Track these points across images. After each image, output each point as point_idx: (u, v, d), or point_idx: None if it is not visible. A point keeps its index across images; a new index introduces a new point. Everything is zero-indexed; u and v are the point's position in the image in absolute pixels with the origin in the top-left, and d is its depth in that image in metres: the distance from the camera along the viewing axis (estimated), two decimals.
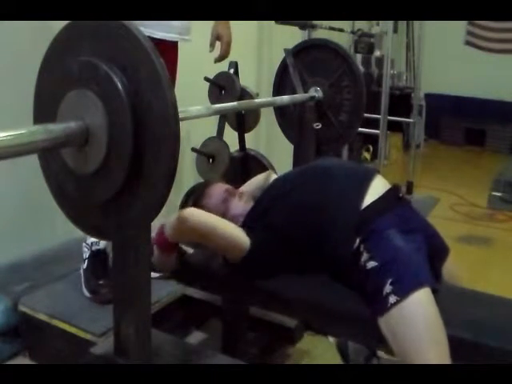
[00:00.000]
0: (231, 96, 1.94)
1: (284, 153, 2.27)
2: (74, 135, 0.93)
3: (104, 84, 0.92)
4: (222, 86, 1.98)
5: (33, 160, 1.06)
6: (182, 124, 0.92)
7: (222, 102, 1.84)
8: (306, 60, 2.19)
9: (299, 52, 2.20)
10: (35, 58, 1.08)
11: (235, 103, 1.82)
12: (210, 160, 1.95)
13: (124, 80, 0.91)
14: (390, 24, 3.59)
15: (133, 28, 0.91)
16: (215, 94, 2.00)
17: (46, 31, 1.20)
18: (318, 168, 1.53)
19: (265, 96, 2.44)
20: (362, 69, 3.65)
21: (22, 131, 0.86)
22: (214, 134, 2.00)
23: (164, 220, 1.38)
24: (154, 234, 1.34)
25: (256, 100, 1.96)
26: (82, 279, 1.80)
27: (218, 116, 2.00)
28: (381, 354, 1.54)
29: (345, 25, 3.79)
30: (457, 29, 5.27)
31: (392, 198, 1.40)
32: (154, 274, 1.44)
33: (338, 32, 3.57)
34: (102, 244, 1.83)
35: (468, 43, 5.50)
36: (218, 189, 1.57)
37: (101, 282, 1.77)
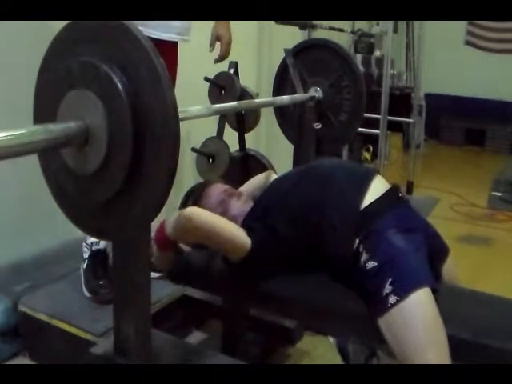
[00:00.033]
0: (231, 96, 1.94)
1: (284, 153, 2.27)
2: (73, 135, 0.93)
3: (104, 84, 0.92)
4: (222, 86, 1.98)
5: (33, 160, 1.06)
6: (182, 124, 0.92)
7: (222, 102, 1.84)
8: (306, 60, 2.19)
9: (299, 52, 2.20)
10: (35, 57, 1.08)
11: (235, 103, 1.82)
12: (210, 160, 1.96)
13: (124, 80, 0.91)
14: (390, 24, 3.59)
15: (133, 28, 0.91)
16: (215, 94, 2.00)
17: (46, 31, 1.20)
18: (317, 168, 1.53)
19: (265, 96, 2.44)
20: (362, 69, 3.65)
21: (22, 131, 0.86)
22: (214, 134, 2.00)
23: (164, 217, 1.38)
24: (153, 231, 1.34)
25: (256, 100, 1.96)
26: (82, 279, 1.81)
27: (218, 116, 2.00)
28: (381, 353, 1.54)
29: (345, 25, 3.79)
30: (457, 29, 5.27)
31: (392, 198, 1.40)
32: (153, 274, 1.44)
33: (338, 32, 3.57)
34: (102, 244, 1.83)
35: (468, 43, 5.50)
36: (217, 189, 1.57)
37: (101, 282, 1.77)
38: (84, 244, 1.84)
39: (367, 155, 4.63)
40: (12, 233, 1.96)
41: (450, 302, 1.28)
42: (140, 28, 0.92)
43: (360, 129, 2.45)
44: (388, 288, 1.19)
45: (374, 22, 4.35)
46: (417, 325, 1.17)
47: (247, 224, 1.44)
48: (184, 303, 1.91)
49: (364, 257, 1.27)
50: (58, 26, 1.02)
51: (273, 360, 1.96)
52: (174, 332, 1.63)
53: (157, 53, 0.90)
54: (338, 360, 1.68)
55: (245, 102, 1.91)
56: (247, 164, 2.13)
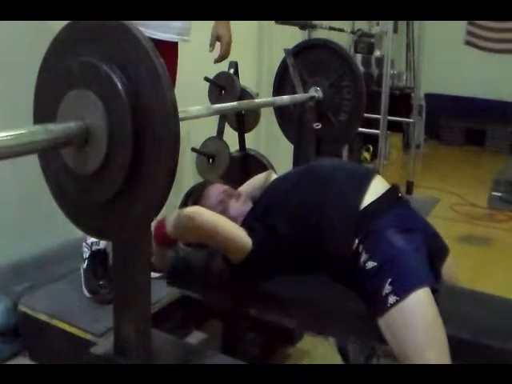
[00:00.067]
0: (231, 96, 1.94)
1: (284, 153, 2.27)
2: (73, 135, 0.93)
3: (104, 84, 0.92)
4: (222, 86, 1.98)
5: (33, 160, 1.06)
6: (182, 124, 0.92)
7: (222, 102, 1.84)
8: (306, 60, 2.19)
9: (299, 52, 2.20)
10: (35, 57, 1.08)
11: (235, 103, 1.82)
12: (210, 160, 1.96)
13: (124, 80, 0.91)
14: (390, 24, 3.59)
15: (133, 28, 0.91)
16: (215, 94, 2.00)
17: (46, 31, 1.20)
18: (317, 168, 1.53)
19: (265, 96, 2.44)
20: (362, 69, 3.65)
21: (22, 131, 0.86)
22: (214, 134, 2.00)
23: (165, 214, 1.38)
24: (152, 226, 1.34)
25: (256, 100, 1.96)
26: (82, 279, 1.81)
27: (218, 116, 2.00)
28: (381, 353, 1.54)
29: (345, 25, 3.79)
30: (457, 29, 5.27)
31: (391, 198, 1.40)
32: (153, 274, 1.44)
33: (338, 32, 3.56)
34: (102, 244, 1.83)
35: (468, 43, 5.50)
36: (216, 190, 1.57)
37: (101, 282, 1.77)
38: (84, 244, 1.84)
39: (367, 155, 4.62)
40: (12, 233, 1.96)
41: (449, 302, 1.28)
42: (140, 28, 0.92)
43: (360, 129, 2.45)
44: (388, 288, 1.19)
45: (374, 22, 4.35)
46: (417, 325, 1.17)
47: (247, 224, 1.44)
48: (184, 303, 1.91)
49: (363, 257, 1.27)
50: (57, 25, 1.02)
51: (273, 360, 1.96)
52: (174, 332, 1.63)
53: (157, 53, 0.90)
54: (338, 360, 1.68)
55: (245, 102, 1.91)
56: (247, 164, 2.14)
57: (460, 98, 5.79)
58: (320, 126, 2.10)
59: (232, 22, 2.03)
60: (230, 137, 2.06)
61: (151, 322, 1.17)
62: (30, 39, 1.79)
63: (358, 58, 4.31)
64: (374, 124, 3.54)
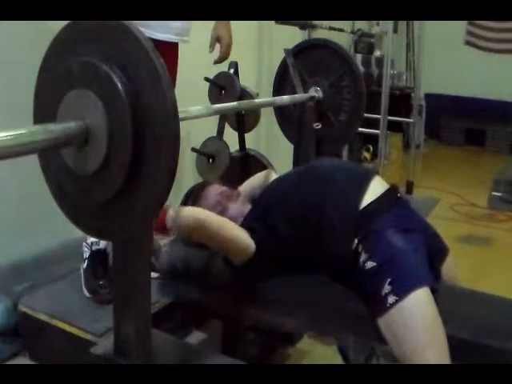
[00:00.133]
0: (231, 96, 1.94)
1: (284, 153, 2.27)
2: (73, 135, 0.93)
3: (104, 84, 0.92)
4: (222, 86, 1.98)
5: (33, 160, 1.06)
6: (182, 124, 0.92)
7: (222, 102, 1.84)
8: (306, 60, 2.19)
9: (299, 52, 2.20)
10: (35, 57, 1.08)
11: (235, 103, 1.82)
12: (210, 160, 1.96)
13: (124, 80, 0.91)
14: (390, 24, 3.59)
15: (133, 28, 0.91)
16: (215, 94, 2.00)
17: (46, 31, 1.20)
18: (317, 168, 1.53)
19: (265, 96, 2.44)
20: (362, 69, 3.65)
21: (22, 131, 0.86)
22: (214, 134, 2.00)
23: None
24: None
25: (256, 100, 1.96)
26: (82, 279, 1.80)
27: (218, 116, 2.00)
28: (381, 353, 1.54)
29: (345, 25, 3.79)
30: (457, 29, 5.27)
31: (390, 198, 1.40)
32: (154, 274, 1.44)
33: (338, 32, 3.56)
34: (102, 244, 1.83)
35: (468, 43, 5.50)
36: (214, 190, 1.57)
37: (101, 282, 1.77)
38: (84, 244, 1.84)
39: (367, 155, 4.62)
40: (12, 233, 1.96)
41: (449, 301, 1.28)
42: (140, 29, 0.92)
43: (360, 129, 2.45)
44: (387, 288, 1.19)
45: (374, 22, 4.35)
46: (416, 325, 1.17)
47: (247, 224, 1.44)
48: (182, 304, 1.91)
49: (363, 257, 1.27)
50: (57, 26, 1.02)
51: (273, 360, 1.96)
52: (174, 332, 1.63)
53: (157, 53, 0.90)
54: (338, 360, 1.68)
55: (245, 102, 1.91)
56: (247, 164, 2.14)
57: (460, 98, 5.79)
58: (320, 126, 2.10)
59: (232, 22, 2.03)
60: (230, 137, 2.06)
61: (151, 321, 1.17)
62: (30, 39, 1.79)
63: (358, 58, 4.31)
64: (373, 124, 3.54)
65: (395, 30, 4.75)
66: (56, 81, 1.00)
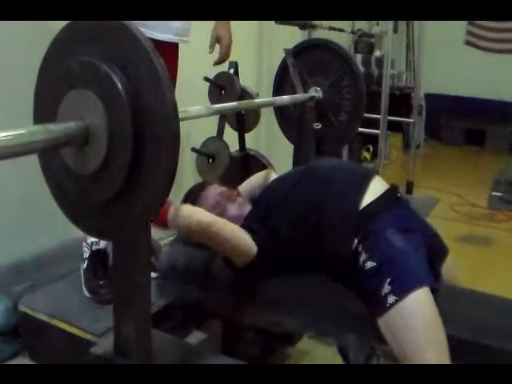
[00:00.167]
0: (231, 96, 1.94)
1: (284, 153, 2.27)
2: (73, 135, 0.93)
3: (104, 84, 0.92)
4: (222, 86, 1.98)
5: (33, 160, 1.06)
6: (182, 124, 0.92)
7: (222, 102, 1.84)
8: (306, 60, 2.19)
9: (299, 52, 2.20)
10: (35, 57, 1.08)
11: (235, 103, 1.82)
12: (210, 160, 1.95)
13: (124, 80, 0.91)
14: (390, 24, 3.59)
15: (133, 28, 0.91)
16: (215, 94, 2.00)
17: (46, 31, 1.20)
18: (317, 168, 1.53)
19: (265, 96, 2.44)
20: (362, 69, 3.65)
21: (22, 131, 0.86)
22: (214, 134, 2.00)
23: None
24: None
25: (256, 100, 1.96)
26: (82, 279, 1.80)
27: (218, 116, 2.00)
28: (381, 353, 1.54)
29: (345, 25, 3.78)
30: (457, 29, 5.27)
31: (390, 198, 1.40)
32: (154, 274, 1.44)
33: (338, 32, 3.56)
34: (102, 244, 1.82)
35: (468, 43, 5.50)
36: (213, 191, 1.57)
37: (101, 282, 1.77)
38: (84, 244, 1.84)
39: (367, 155, 4.62)
40: (12, 233, 1.96)
41: (449, 302, 1.28)
42: (140, 29, 0.92)
43: (360, 129, 2.45)
44: (387, 288, 1.19)
45: (374, 22, 4.35)
46: (416, 325, 1.17)
47: (248, 224, 1.44)
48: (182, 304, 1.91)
49: (363, 257, 1.27)
50: (58, 26, 1.02)
51: (273, 360, 1.96)
52: (174, 332, 1.63)
53: (157, 53, 0.90)
54: (338, 360, 1.68)
55: (245, 102, 1.91)
56: (247, 164, 2.13)
57: (460, 98, 5.79)
58: (320, 126, 2.10)
59: (232, 22, 2.03)
60: (230, 137, 2.05)
61: (151, 322, 1.17)
62: (30, 39, 1.79)
63: (358, 58, 4.31)
64: (374, 124, 3.54)
65: (395, 30, 4.75)
66: (56, 81, 1.00)
